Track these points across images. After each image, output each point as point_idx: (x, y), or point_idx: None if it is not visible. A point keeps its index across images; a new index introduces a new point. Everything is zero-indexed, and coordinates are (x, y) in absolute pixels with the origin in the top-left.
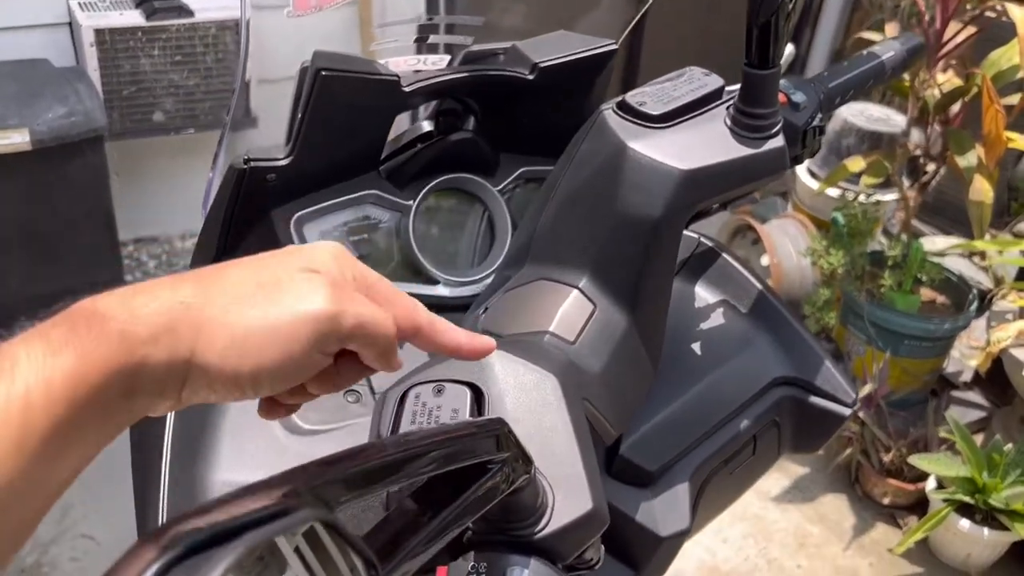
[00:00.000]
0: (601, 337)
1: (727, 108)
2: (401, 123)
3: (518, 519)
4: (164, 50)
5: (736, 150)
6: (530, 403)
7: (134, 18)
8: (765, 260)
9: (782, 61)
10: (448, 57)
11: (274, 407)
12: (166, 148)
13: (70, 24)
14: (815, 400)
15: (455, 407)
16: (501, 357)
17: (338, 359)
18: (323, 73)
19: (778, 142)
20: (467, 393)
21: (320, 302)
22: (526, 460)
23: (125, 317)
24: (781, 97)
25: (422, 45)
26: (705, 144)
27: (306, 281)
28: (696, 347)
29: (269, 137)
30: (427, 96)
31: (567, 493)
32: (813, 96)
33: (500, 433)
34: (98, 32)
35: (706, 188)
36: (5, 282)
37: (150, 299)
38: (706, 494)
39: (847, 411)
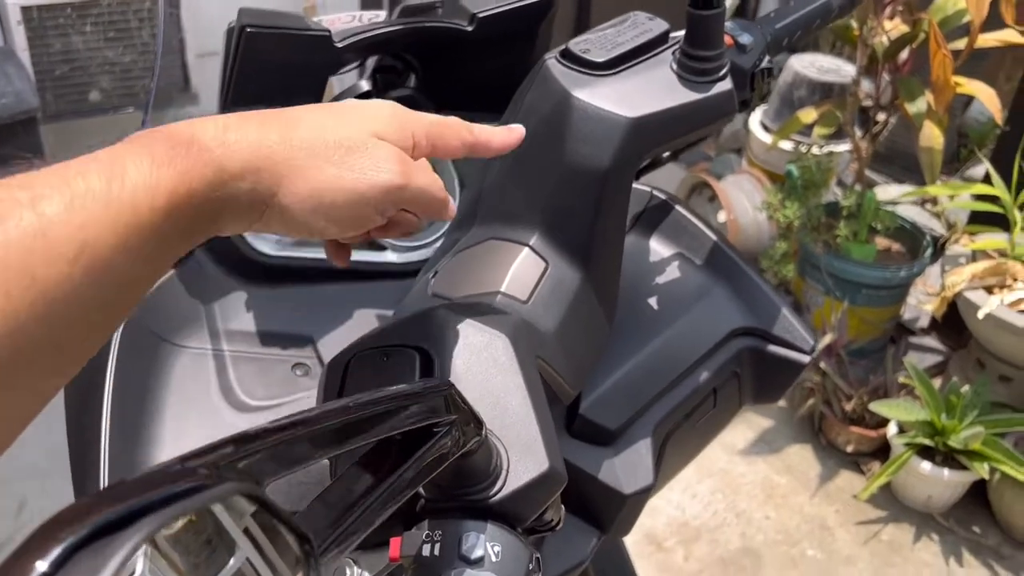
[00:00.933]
0: (554, 295)
1: (673, 53)
2: (342, 84)
3: (472, 483)
4: (97, 26)
5: (684, 95)
6: (481, 365)
7: None
8: (722, 216)
9: (729, 4)
10: (383, 13)
11: (341, 250)
12: (105, 128)
13: None
14: (774, 349)
15: (403, 372)
16: (449, 319)
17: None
18: (248, 30)
19: (726, 85)
20: (415, 357)
21: (391, 175)
22: (476, 422)
23: (221, 150)
24: (727, 39)
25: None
26: (652, 90)
27: (379, 150)
28: (653, 301)
29: (211, 112)
30: (362, 52)
31: (522, 454)
32: (760, 38)
33: (447, 395)
34: (25, 9)
35: (655, 135)
36: None
37: (241, 137)
38: (669, 449)
39: (806, 358)
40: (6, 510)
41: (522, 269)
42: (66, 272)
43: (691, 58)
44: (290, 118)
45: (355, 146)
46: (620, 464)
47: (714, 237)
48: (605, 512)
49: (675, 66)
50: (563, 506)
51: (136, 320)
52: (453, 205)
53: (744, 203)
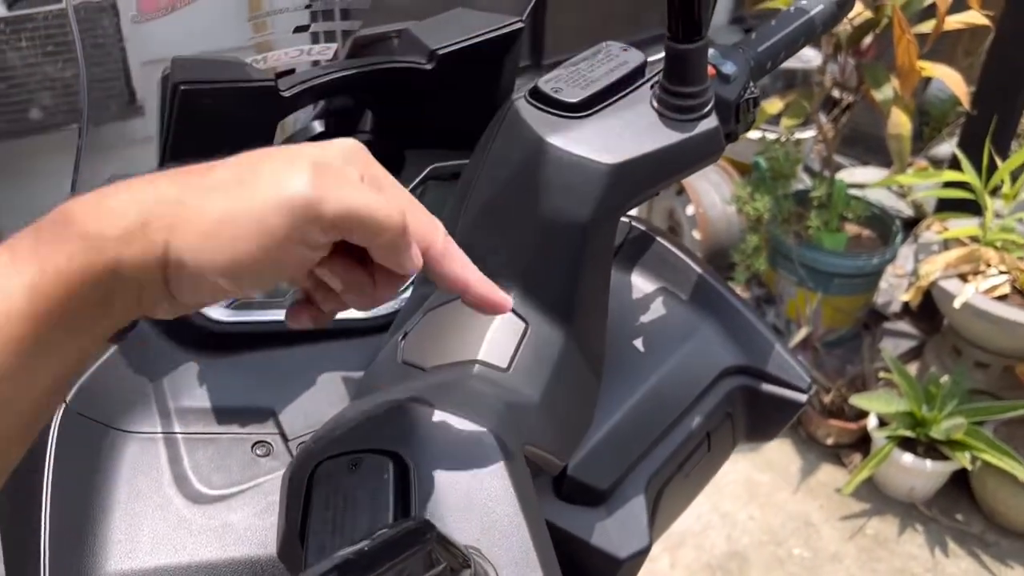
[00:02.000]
0: (537, 359)
1: (651, 87)
2: (291, 120)
3: None
4: (33, 41)
5: (667, 136)
6: (464, 471)
7: None
8: (691, 210)
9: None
10: (334, 46)
11: (299, 312)
12: (48, 147)
13: None
14: (768, 388)
15: (375, 486)
16: (424, 415)
17: (367, 266)
18: (183, 87)
19: (711, 122)
20: (388, 466)
21: (297, 187)
22: (463, 560)
23: (94, 217)
24: (709, 70)
25: (308, 34)
26: (632, 132)
27: (287, 165)
28: (638, 343)
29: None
30: (312, 98)
31: (515, 574)
32: (743, 64)
33: (431, 542)
34: None
35: (638, 182)
36: None
37: (123, 196)
38: (663, 502)
39: (803, 397)
40: None
41: (500, 332)
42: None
43: (673, 94)
44: (198, 168)
45: (261, 172)
46: (613, 526)
47: (699, 269)
48: None
49: (655, 103)
50: None
51: (75, 407)
52: (416, 255)
53: (712, 196)
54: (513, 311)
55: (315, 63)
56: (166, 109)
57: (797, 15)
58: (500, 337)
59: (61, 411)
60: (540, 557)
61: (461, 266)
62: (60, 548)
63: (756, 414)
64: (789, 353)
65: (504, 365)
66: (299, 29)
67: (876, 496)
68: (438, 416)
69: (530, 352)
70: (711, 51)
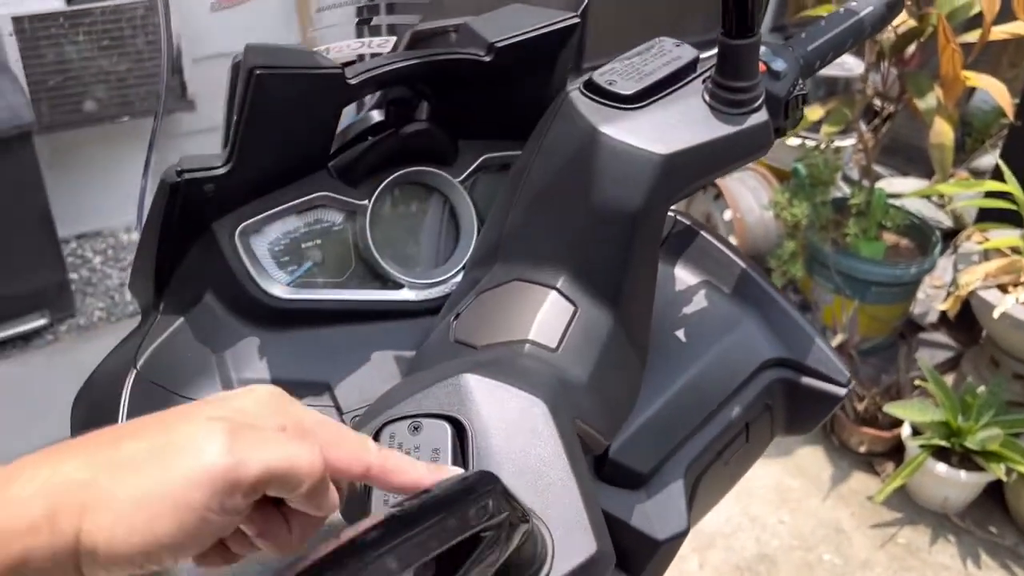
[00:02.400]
0: (585, 341)
1: (703, 81)
2: (347, 111)
3: (517, 572)
4: (90, 35)
5: (718, 128)
6: (519, 435)
7: (54, 3)
8: (728, 215)
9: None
10: (393, 39)
11: (210, 555)
12: (101, 138)
13: None
14: (808, 381)
15: (435, 447)
16: (481, 383)
17: (282, 507)
18: (257, 72)
19: (761, 116)
20: (447, 430)
21: (213, 456)
22: (523, 514)
23: (1, 515)
24: (760, 66)
25: (364, 27)
26: (684, 124)
27: (201, 434)
28: (680, 334)
29: (208, 120)
30: (375, 87)
31: (568, 536)
32: (793, 62)
33: (493, 493)
34: (16, 20)
35: (689, 172)
36: None
37: (28, 482)
38: (701, 489)
39: (842, 391)
40: None
41: (550, 314)
42: None
43: (724, 88)
44: (105, 439)
45: (175, 441)
46: (652, 508)
47: (742, 264)
48: (637, 558)
49: (707, 97)
50: None
51: (144, 375)
52: (333, 495)
53: (750, 201)
54: (562, 294)
55: (373, 55)
56: (238, 97)
57: (847, 16)
58: (550, 318)
59: (132, 377)
60: (591, 519)
61: (405, 470)
62: None
63: (795, 407)
64: (829, 347)
65: (553, 345)
66: (362, 22)
67: (908, 505)
68: (494, 386)
69: (578, 334)
70: (762, 48)
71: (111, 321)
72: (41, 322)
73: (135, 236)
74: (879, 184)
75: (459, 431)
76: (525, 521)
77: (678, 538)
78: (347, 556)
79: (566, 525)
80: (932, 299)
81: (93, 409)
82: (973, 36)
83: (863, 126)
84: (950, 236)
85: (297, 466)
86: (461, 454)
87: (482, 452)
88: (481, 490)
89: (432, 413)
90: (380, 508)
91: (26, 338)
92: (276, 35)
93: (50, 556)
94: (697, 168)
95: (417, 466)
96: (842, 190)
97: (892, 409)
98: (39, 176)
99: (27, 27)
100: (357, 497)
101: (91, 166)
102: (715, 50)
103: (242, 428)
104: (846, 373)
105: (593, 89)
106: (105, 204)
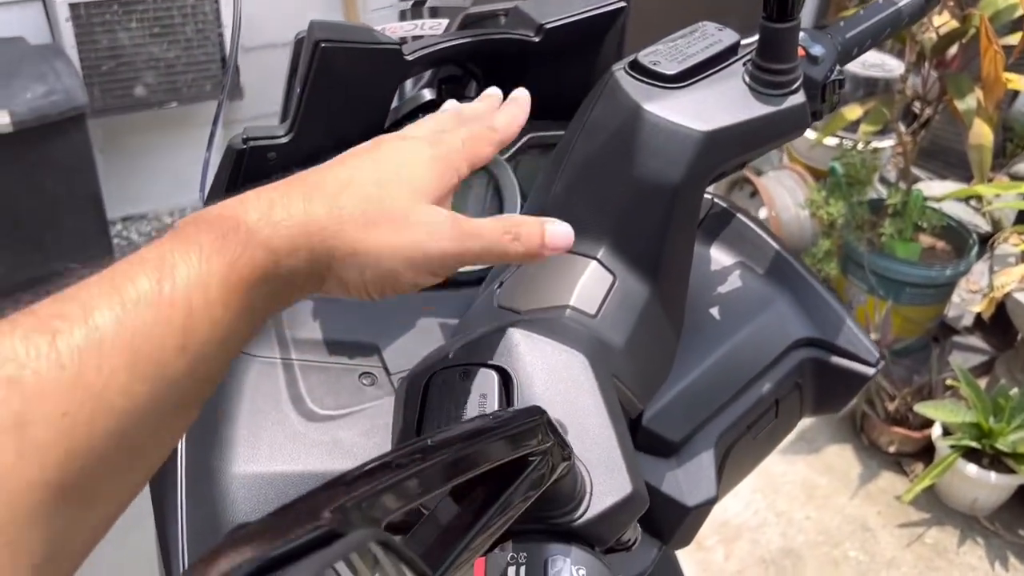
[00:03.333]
0: (623, 309)
1: (744, 64)
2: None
3: (557, 506)
4: (142, 22)
5: (757, 108)
6: (560, 384)
7: None
8: (763, 213)
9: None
10: (445, 21)
11: None
12: (149, 123)
13: (44, 0)
14: (838, 361)
15: (483, 392)
16: (525, 336)
17: None
18: (323, 45)
19: (799, 98)
20: (495, 377)
21: (445, 243)
22: (565, 447)
23: (268, 231)
24: (799, 50)
25: (418, 9)
26: (724, 103)
27: (428, 217)
28: (715, 312)
29: (256, 108)
30: (430, 64)
31: (605, 476)
32: (831, 48)
33: (540, 422)
34: (73, 7)
35: (728, 149)
36: None
37: (287, 214)
38: (730, 461)
39: (871, 370)
40: None
41: (590, 283)
42: (125, 382)
43: (764, 71)
44: (333, 185)
45: (403, 217)
46: (683, 476)
47: (776, 246)
48: (667, 523)
49: (747, 78)
50: (639, 525)
51: None
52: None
53: (786, 199)
54: (601, 263)
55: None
56: (302, 69)
57: (885, 6)
58: (590, 286)
59: None
60: (626, 462)
61: (511, 123)
62: (194, 448)
63: (824, 386)
64: (859, 327)
65: (593, 312)
66: (416, 4)
67: (937, 506)
68: (538, 339)
69: (617, 302)
70: (802, 34)
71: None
72: None
73: (178, 220)
74: (916, 187)
75: (505, 380)
76: (567, 457)
77: (707, 505)
78: (402, 462)
79: (603, 467)
80: (967, 303)
81: None
82: (1016, 38)
83: (902, 127)
84: (987, 239)
85: (495, 249)
86: (507, 399)
87: (526, 399)
88: (529, 419)
89: (480, 362)
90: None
91: None
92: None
93: (305, 275)
94: (736, 145)
95: (511, 112)
96: (879, 192)
97: (923, 409)
98: (91, 158)
99: (83, 13)
100: (411, 436)
101: (139, 150)
102: (756, 35)
103: (458, 222)
104: (875, 352)
105: (637, 69)
106: (151, 187)
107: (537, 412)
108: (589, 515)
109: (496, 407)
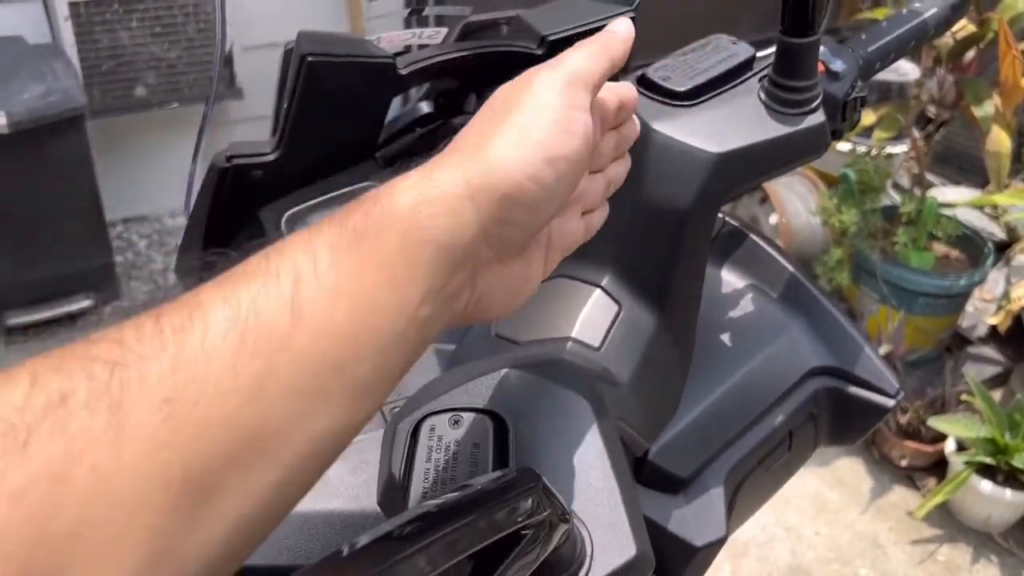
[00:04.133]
0: (629, 341)
1: (760, 80)
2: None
3: (554, 573)
4: (143, 22)
5: (773, 128)
6: (560, 433)
7: None
8: (773, 219)
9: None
10: (444, 30)
11: None
12: (150, 124)
13: None
14: (855, 391)
15: (475, 441)
16: (523, 379)
17: None
18: (309, 59)
19: (818, 117)
20: (488, 424)
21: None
22: (563, 514)
23: (440, 230)
24: (819, 67)
25: (415, 17)
26: (739, 123)
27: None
28: (726, 338)
29: (255, 109)
30: (425, 77)
31: (607, 538)
32: (852, 63)
33: (535, 491)
34: (72, 5)
35: (741, 173)
36: None
37: (443, 218)
38: (741, 496)
39: (890, 402)
40: None
41: (594, 312)
42: (230, 359)
43: (781, 88)
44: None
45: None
46: (691, 514)
47: (791, 268)
48: (673, 564)
49: (763, 96)
50: None
51: None
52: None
53: (797, 206)
54: (606, 292)
55: (422, 47)
56: (288, 83)
57: (910, 17)
58: (593, 317)
59: None
60: (631, 522)
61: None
62: None
63: (841, 416)
64: (878, 356)
65: (596, 344)
66: (413, 12)
67: (950, 523)
68: (536, 382)
69: (622, 334)
70: (822, 48)
71: (154, 304)
72: (87, 303)
73: (180, 221)
74: (930, 193)
75: (499, 426)
76: (565, 521)
77: (716, 545)
78: (384, 549)
79: (606, 527)
80: (981, 312)
81: None
82: None
83: (916, 133)
84: (1003, 249)
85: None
86: (501, 450)
87: (522, 448)
88: (522, 487)
89: (473, 407)
90: (418, 503)
91: (72, 318)
92: (326, 25)
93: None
94: (751, 168)
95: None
96: (892, 198)
97: (936, 423)
98: (90, 159)
99: (83, 12)
100: (396, 487)
101: (139, 151)
102: (772, 49)
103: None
104: (895, 384)
105: (646, 85)
106: (152, 189)
107: (532, 479)
108: None
109: (490, 458)
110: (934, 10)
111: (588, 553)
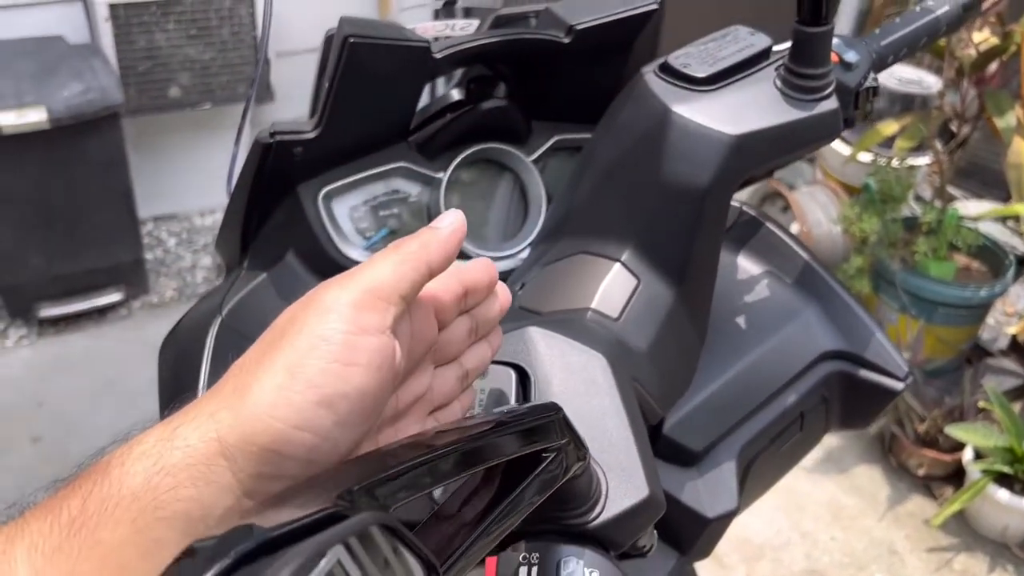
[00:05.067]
0: (646, 313)
1: (776, 69)
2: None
3: (571, 507)
4: (179, 24)
5: (788, 113)
6: (578, 384)
7: None
8: (795, 227)
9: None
10: (476, 22)
11: None
12: (183, 123)
13: (84, 0)
14: (865, 374)
15: (500, 390)
16: (545, 336)
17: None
18: (351, 40)
19: (831, 104)
20: (512, 375)
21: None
22: (580, 446)
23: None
24: (833, 56)
25: (449, 9)
26: (754, 107)
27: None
28: (741, 321)
29: (287, 112)
30: (458, 63)
31: (621, 479)
32: (866, 55)
33: (556, 418)
34: (112, 7)
35: (757, 154)
36: (25, 263)
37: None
38: (752, 473)
39: (900, 385)
40: None
41: (613, 285)
42: None
43: (796, 75)
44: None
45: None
46: (703, 487)
47: (806, 255)
48: (686, 534)
49: (779, 83)
50: (655, 531)
51: (228, 322)
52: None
53: (818, 214)
54: (625, 266)
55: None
56: (330, 64)
57: (922, 14)
58: (613, 289)
59: (217, 324)
60: (644, 466)
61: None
62: None
63: (852, 399)
64: (888, 341)
65: (615, 315)
66: (447, 4)
67: (966, 532)
68: (557, 339)
69: (640, 306)
70: (836, 40)
71: (182, 301)
72: (116, 297)
73: (209, 220)
74: (952, 206)
75: (523, 378)
76: (582, 457)
77: (727, 517)
78: (413, 456)
79: (620, 469)
80: (1002, 325)
81: (180, 351)
82: None
83: (938, 145)
84: None
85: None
86: (524, 398)
87: (543, 397)
88: (545, 415)
89: (498, 360)
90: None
91: (102, 311)
92: None
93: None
94: (766, 150)
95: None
96: (913, 210)
97: (954, 431)
98: (124, 156)
99: (122, 14)
100: None
101: (172, 150)
102: (788, 41)
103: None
104: (904, 367)
105: (667, 71)
106: (183, 188)
107: (553, 408)
108: (604, 517)
109: (513, 404)
110: (946, 8)
111: (603, 492)
